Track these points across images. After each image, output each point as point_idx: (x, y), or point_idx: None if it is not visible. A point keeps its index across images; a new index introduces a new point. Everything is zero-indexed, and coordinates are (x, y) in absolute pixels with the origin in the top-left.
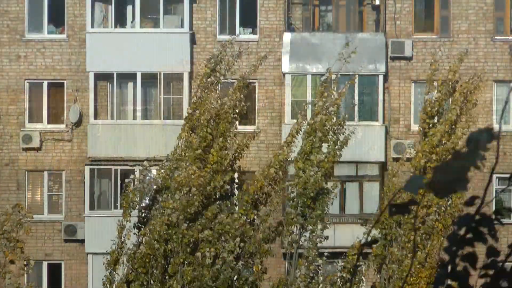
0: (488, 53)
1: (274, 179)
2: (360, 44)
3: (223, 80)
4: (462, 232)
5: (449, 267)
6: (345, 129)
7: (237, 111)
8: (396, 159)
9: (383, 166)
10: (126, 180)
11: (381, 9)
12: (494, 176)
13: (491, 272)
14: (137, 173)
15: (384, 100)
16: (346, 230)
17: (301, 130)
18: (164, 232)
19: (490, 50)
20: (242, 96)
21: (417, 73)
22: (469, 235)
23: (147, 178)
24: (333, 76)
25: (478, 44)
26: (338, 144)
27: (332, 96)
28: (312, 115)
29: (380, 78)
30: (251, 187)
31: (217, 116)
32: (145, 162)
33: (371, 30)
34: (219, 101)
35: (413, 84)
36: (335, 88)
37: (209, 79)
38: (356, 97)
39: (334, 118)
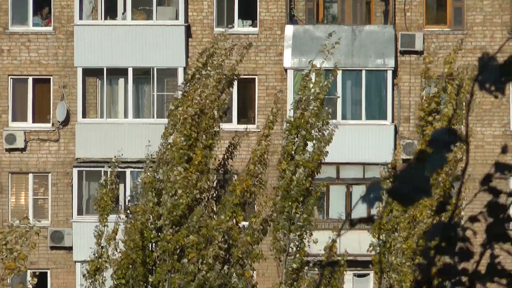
0: (505, 47)
1: (258, 176)
2: (367, 37)
3: (216, 75)
4: (434, 243)
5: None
6: (330, 125)
7: (217, 105)
8: (406, 161)
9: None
10: (98, 182)
11: (390, 0)
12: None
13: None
14: (104, 175)
15: (393, 97)
16: (352, 237)
17: (276, 121)
18: (139, 238)
19: (507, 44)
20: (229, 89)
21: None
22: (443, 244)
23: (135, 181)
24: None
25: (493, 38)
26: (323, 142)
27: (314, 91)
28: (292, 112)
29: (389, 74)
30: (237, 187)
31: (201, 112)
32: (113, 159)
33: (379, 23)
34: (202, 95)
35: (424, 80)
36: (331, 82)
37: (202, 73)
38: (363, 94)
39: (317, 114)
